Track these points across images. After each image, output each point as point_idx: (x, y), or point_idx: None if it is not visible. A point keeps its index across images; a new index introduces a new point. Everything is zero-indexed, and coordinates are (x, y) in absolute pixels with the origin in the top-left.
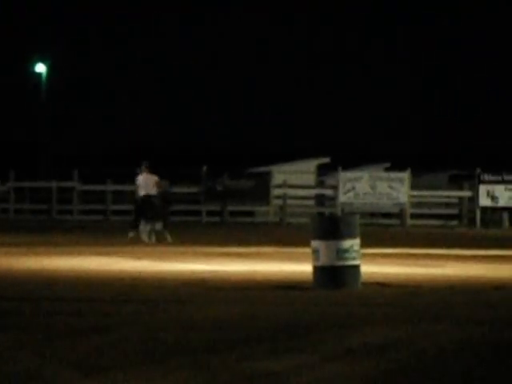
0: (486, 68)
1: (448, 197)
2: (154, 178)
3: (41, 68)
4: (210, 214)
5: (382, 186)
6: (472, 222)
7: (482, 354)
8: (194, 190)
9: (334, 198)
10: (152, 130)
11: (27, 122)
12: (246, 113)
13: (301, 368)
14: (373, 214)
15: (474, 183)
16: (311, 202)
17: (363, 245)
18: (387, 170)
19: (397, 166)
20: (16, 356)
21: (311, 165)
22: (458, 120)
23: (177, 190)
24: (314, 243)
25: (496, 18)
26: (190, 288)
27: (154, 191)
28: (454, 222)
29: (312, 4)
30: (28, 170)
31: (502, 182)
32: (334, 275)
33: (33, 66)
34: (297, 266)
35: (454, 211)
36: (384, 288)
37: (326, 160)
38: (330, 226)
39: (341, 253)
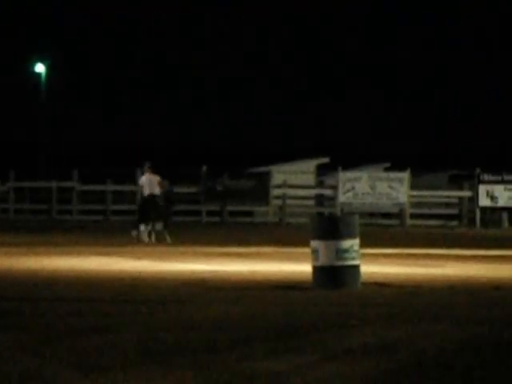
0: (485, 68)
1: (448, 197)
2: (157, 178)
3: (40, 68)
4: (210, 214)
5: (382, 186)
6: (472, 222)
7: (482, 354)
8: (193, 189)
9: (333, 198)
10: (152, 130)
11: (27, 122)
12: (246, 113)
13: (301, 368)
14: (372, 214)
15: (473, 183)
16: (311, 202)
17: (363, 245)
18: (387, 170)
19: (397, 166)
20: (16, 356)
21: (311, 165)
22: (458, 120)
23: (176, 190)
24: (314, 243)
25: (496, 18)
26: (189, 288)
27: (157, 191)
28: (454, 222)
29: (312, 4)
30: (28, 170)
31: (502, 182)
32: (334, 275)
33: (32, 66)
34: (296, 266)
35: (454, 211)
36: (384, 288)
37: (326, 160)
38: (329, 226)
39: (340, 253)
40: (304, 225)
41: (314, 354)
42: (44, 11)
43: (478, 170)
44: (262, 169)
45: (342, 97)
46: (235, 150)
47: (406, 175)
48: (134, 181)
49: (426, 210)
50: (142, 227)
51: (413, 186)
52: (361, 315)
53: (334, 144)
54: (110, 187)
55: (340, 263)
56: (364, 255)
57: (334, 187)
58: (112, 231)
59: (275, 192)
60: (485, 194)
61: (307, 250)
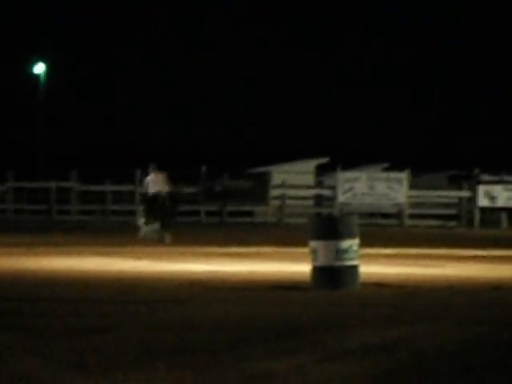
0: (485, 68)
1: (447, 197)
2: (163, 176)
3: (40, 68)
4: (209, 214)
5: (381, 187)
6: (471, 222)
7: (482, 354)
8: (193, 190)
9: (332, 199)
10: (152, 130)
11: (26, 123)
12: (246, 113)
13: (301, 368)
14: (371, 215)
15: (472, 183)
16: (310, 203)
17: (362, 245)
18: (386, 170)
19: (396, 167)
20: (16, 356)
21: (310, 165)
22: (457, 120)
23: (175, 190)
24: (313, 243)
25: (496, 18)
26: (189, 288)
27: (164, 188)
28: (453, 223)
29: (312, 4)
30: (27, 170)
31: (501, 182)
32: (333, 275)
33: (31, 66)
34: (296, 266)
35: (453, 211)
36: (383, 288)
37: (325, 160)
38: (328, 226)
39: (339, 253)
40: (303, 225)
41: (314, 354)
42: (44, 11)
43: (476, 171)
44: (262, 169)
45: (341, 97)
46: (235, 150)
47: (405, 175)
48: (133, 181)
49: (425, 211)
50: (143, 227)
51: (412, 187)
52: (360, 315)
53: (333, 144)
54: (109, 187)
55: (339, 263)
56: (363, 255)
57: (333, 187)
58: (111, 231)
59: (274, 192)
60: (484, 195)
61: (306, 250)
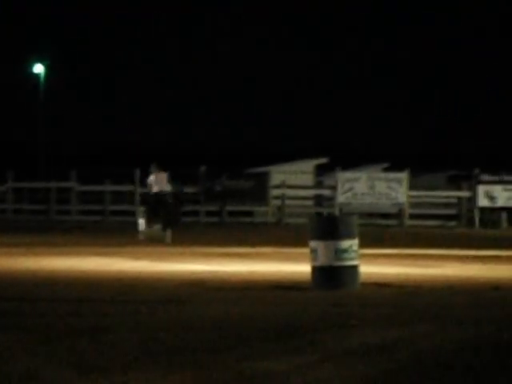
0: (485, 68)
1: (447, 197)
2: (165, 175)
3: (39, 69)
4: (209, 214)
5: (381, 187)
6: (470, 222)
7: (482, 354)
8: (192, 190)
9: (332, 199)
10: (152, 130)
11: (26, 123)
12: (245, 113)
13: (301, 368)
14: (371, 215)
15: (472, 183)
16: (310, 203)
17: (362, 245)
18: (386, 170)
19: (396, 167)
20: (16, 356)
21: (310, 165)
22: (457, 120)
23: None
24: (313, 243)
25: (496, 18)
26: (189, 288)
27: (167, 188)
28: (453, 223)
29: (312, 4)
30: (26, 170)
31: (501, 182)
32: (333, 275)
33: (31, 66)
34: (295, 267)
35: (453, 211)
36: (383, 288)
37: (325, 160)
38: (328, 226)
39: (339, 253)
40: (303, 225)
41: (314, 354)
42: (44, 11)
43: (476, 171)
44: (261, 169)
45: (341, 97)
46: (234, 150)
47: (404, 175)
48: (132, 181)
49: (425, 211)
50: (143, 226)
51: (412, 187)
52: (360, 315)
53: (332, 144)
54: (109, 188)
55: (339, 263)
56: (363, 255)
57: (333, 187)
58: (111, 231)
59: (274, 192)
60: (483, 195)
61: (306, 251)
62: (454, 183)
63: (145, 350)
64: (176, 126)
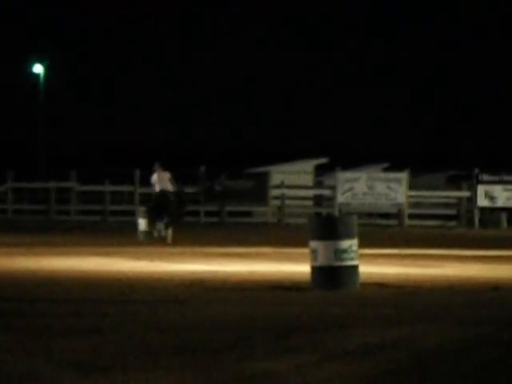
0: (485, 68)
1: (446, 197)
2: (167, 175)
3: (39, 69)
4: (209, 214)
5: (380, 187)
6: (470, 222)
7: (482, 354)
8: (192, 190)
9: (332, 199)
10: (151, 130)
11: (26, 123)
12: (245, 113)
13: (301, 368)
14: (371, 215)
15: (472, 183)
16: (309, 203)
17: (361, 245)
18: (385, 170)
19: (395, 167)
20: (16, 356)
21: (309, 165)
22: (457, 120)
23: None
24: (312, 243)
25: (496, 18)
26: (189, 288)
27: (169, 187)
28: (453, 223)
29: (312, 4)
30: (26, 170)
31: (500, 182)
32: (333, 275)
33: (31, 66)
34: (295, 267)
35: (453, 211)
36: (383, 288)
37: (325, 160)
38: (328, 226)
39: (339, 253)
40: (303, 225)
41: (314, 354)
42: (44, 11)
43: (476, 171)
44: (261, 169)
45: (341, 97)
46: (234, 150)
47: (404, 175)
48: (132, 181)
49: (424, 211)
50: (142, 226)
51: (411, 187)
52: (360, 315)
53: (332, 144)
54: (109, 188)
55: (339, 263)
56: (363, 255)
57: (333, 187)
58: (110, 231)
59: (274, 192)
60: (483, 195)
61: (306, 251)
62: (453, 183)
63: (145, 350)
64: (176, 126)
